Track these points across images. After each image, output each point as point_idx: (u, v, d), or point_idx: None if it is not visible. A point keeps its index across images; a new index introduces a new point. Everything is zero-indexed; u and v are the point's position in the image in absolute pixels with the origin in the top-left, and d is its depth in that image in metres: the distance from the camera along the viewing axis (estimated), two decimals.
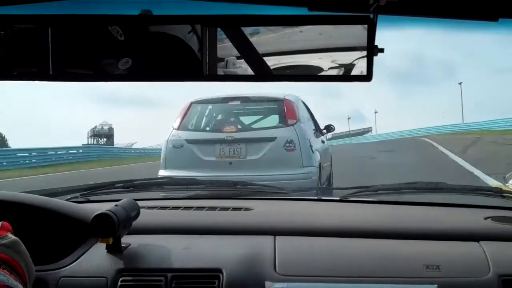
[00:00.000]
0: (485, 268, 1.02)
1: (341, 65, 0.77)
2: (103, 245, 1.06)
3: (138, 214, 1.11)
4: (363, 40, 0.76)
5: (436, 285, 0.97)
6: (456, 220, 1.29)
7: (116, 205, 1.05)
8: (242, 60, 0.76)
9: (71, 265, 1.04)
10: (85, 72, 0.78)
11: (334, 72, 0.77)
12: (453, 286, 0.99)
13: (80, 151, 23.84)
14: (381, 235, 1.15)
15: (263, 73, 0.77)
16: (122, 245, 1.07)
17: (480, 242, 1.11)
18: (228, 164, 4.69)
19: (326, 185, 5.38)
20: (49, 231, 1.14)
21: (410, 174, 7.47)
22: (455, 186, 1.67)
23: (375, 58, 0.76)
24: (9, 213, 0.89)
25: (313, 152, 4.84)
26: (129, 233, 1.09)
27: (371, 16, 0.76)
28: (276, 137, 4.73)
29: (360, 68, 0.76)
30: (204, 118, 5.29)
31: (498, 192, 1.53)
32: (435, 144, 17.03)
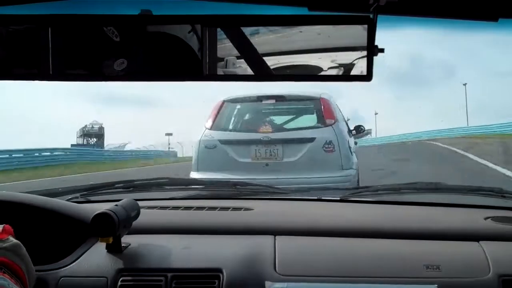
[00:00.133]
0: (485, 268, 1.02)
1: (341, 65, 0.77)
2: (103, 245, 1.06)
3: (138, 214, 1.11)
4: (363, 40, 0.76)
5: (436, 285, 0.97)
6: (456, 220, 1.29)
7: (116, 205, 1.05)
8: (242, 60, 0.76)
9: (71, 265, 1.04)
10: (86, 72, 0.78)
11: (334, 72, 0.77)
12: (453, 286, 0.99)
13: (68, 153, 22.50)
14: (381, 235, 1.15)
15: (263, 73, 0.77)
16: (122, 245, 1.07)
17: (480, 242, 1.11)
18: (264, 166, 4.46)
19: None
20: (49, 231, 1.14)
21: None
22: (455, 186, 1.67)
23: (375, 58, 0.76)
24: (9, 213, 0.89)
25: (351, 154, 4.62)
26: (129, 233, 1.10)
27: (371, 16, 0.76)
28: (315, 138, 4.48)
29: (360, 68, 0.76)
30: (238, 118, 5.05)
31: (498, 192, 1.53)
32: (458, 150, 13.92)
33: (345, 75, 0.77)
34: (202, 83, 0.79)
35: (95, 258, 1.05)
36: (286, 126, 4.94)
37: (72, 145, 39.55)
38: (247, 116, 5.11)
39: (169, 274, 1.00)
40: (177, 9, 0.80)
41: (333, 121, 4.59)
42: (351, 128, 5.52)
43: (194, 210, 1.35)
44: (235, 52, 0.76)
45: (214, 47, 0.76)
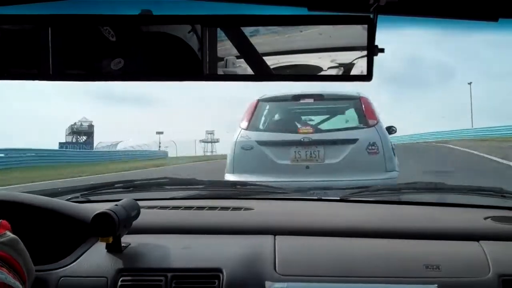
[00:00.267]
0: (485, 268, 1.02)
1: (341, 65, 0.77)
2: (103, 245, 1.06)
3: (138, 213, 1.11)
4: (363, 40, 0.76)
5: (436, 285, 0.97)
6: (456, 220, 1.29)
7: (116, 205, 1.05)
8: (242, 60, 0.76)
9: (71, 265, 1.04)
10: (86, 72, 0.78)
11: (334, 72, 0.77)
12: (453, 286, 0.99)
13: (42, 154, 21.12)
14: (381, 235, 1.15)
15: (263, 73, 0.77)
16: (122, 245, 1.07)
17: (480, 242, 1.11)
18: (305, 169, 4.25)
19: None
20: (49, 231, 1.14)
21: None
22: (455, 186, 1.67)
23: (375, 58, 0.77)
24: (10, 213, 0.89)
25: (394, 155, 4.40)
26: (129, 233, 1.10)
27: (371, 16, 0.76)
28: (357, 139, 4.27)
29: (360, 68, 0.76)
30: (274, 117, 4.85)
31: (498, 192, 1.53)
32: (496, 158, 11.26)
33: (345, 75, 0.77)
34: (202, 83, 0.79)
35: (95, 258, 1.05)
36: (325, 127, 4.75)
37: (60, 143, 38.11)
38: (284, 116, 4.90)
39: (169, 274, 1.00)
40: (177, 9, 0.80)
41: (375, 121, 4.41)
42: None
43: (194, 210, 1.35)
44: (235, 52, 0.76)
45: (214, 47, 0.76)
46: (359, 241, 1.13)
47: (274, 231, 1.16)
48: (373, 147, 4.24)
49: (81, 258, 1.06)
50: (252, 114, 4.60)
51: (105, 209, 1.01)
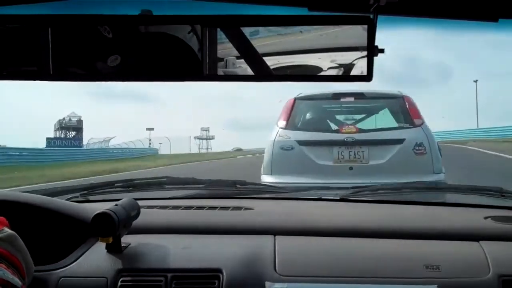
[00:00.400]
0: (485, 268, 1.02)
1: (341, 65, 0.77)
2: (103, 245, 1.06)
3: (138, 213, 1.11)
4: (363, 40, 0.76)
5: (436, 285, 0.97)
6: (456, 220, 1.29)
7: (116, 205, 1.05)
8: (242, 60, 0.76)
9: (71, 265, 1.04)
10: (86, 72, 0.78)
11: (334, 72, 0.77)
12: (453, 286, 0.99)
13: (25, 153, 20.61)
14: (381, 235, 1.15)
15: (263, 73, 0.77)
16: (122, 245, 1.07)
17: (480, 242, 1.11)
18: (348, 170, 4.03)
19: None
20: (49, 231, 1.14)
21: None
22: (455, 186, 1.67)
23: (375, 58, 0.77)
24: (10, 213, 0.89)
25: (440, 156, 4.18)
26: (129, 233, 1.09)
27: (371, 16, 0.76)
28: (404, 139, 4.06)
29: (360, 68, 0.76)
30: (313, 116, 4.59)
31: (498, 192, 1.53)
32: None
33: (345, 75, 0.77)
34: (202, 83, 0.79)
35: (95, 258, 1.05)
36: (368, 126, 4.49)
37: (48, 138, 36.70)
38: (323, 115, 4.68)
39: (169, 274, 1.00)
40: (177, 9, 0.80)
41: (421, 121, 4.20)
42: None
43: (194, 209, 1.35)
44: (235, 52, 0.76)
45: (214, 47, 0.76)
46: (359, 241, 1.13)
47: (274, 231, 1.16)
48: (420, 148, 4.05)
49: (81, 258, 1.06)
50: (290, 112, 4.34)
51: (105, 209, 1.01)
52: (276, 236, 1.14)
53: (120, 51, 0.76)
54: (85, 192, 1.55)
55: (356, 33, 0.76)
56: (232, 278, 0.99)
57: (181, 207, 1.37)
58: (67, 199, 1.43)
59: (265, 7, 0.82)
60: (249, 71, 0.77)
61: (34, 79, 0.78)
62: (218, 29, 0.76)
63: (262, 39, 0.76)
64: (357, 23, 0.76)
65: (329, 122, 4.59)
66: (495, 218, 1.25)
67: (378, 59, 0.76)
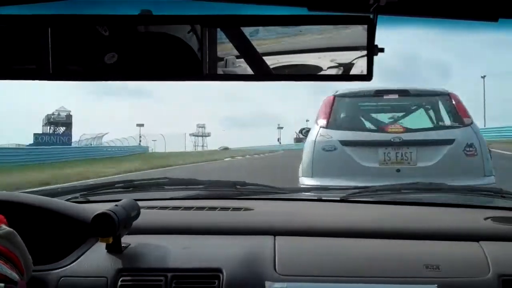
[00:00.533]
0: (485, 268, 1.02)
1: (341, 65, 0.77)
2: (103, 245, 1.06)
3: (138, 214, 1.11)
4: (363, 40, 0.76)
5: (436, 285, 0.97)
6: (456, 220, 1.29)
7: (116, 205, 1.05)
8: (242, 60, 0.76)
9: (71, 265, 1.04)
10: (86, 72, 0.78)
11: (334, 71, 0.77)
12: (453, 286, 0.99)
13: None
14: (381, 235, 1.15)
15: (262, 73, 0.77)
16: (122, 245, 1.07)
17: (480, 242, 1.11)
18: (395, 172, 3.78)
19: None
20: (49, 231, 1.14)
21: None
22: (455, 186, 1.67)
23: (375, 57, 0.77)
24: (10, 213, 0.89)
25: (490, 157, 3.96)
26: (129, 233, 1.09)
27: (371, 16, 0.76)
28: (454, 139, 3.83)
29: (360, 67, 0.76)
30: (356, 115, 4.32)
31: (498, 192, 1.53)
32: None
33: (345, 74, 0.77)
34: (202, 83, 0.79)
35: (95, 258, 1.05)
36: (414, 125, 4.19)
37: (35, 134, 34.72)
38: (366, 113, 4.41)
39: (169, 274, 1.00)
40: (177, 9, 0.80)
41: (470, 120, 3.98)
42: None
43: (194, 210, 1.35)
44: (235, 52, 0.76)
45: (214, 47, 0.76)
46: (359, 241, 1.13)
47: (274, 231, 1.16)
48: (471, 149, 3.81)
49: (81, 258, 1.06)
50: (330, 110, 4.06)
51: (105, 209, 1.01)
52: (276, 237, 1.14)
53: (120, 51, 0.76)
54: (85, 192, 1.55)
55: (356, 32, 0.76)
56: (232, 277, 0.99)
57: (181, 207, 1.37)
58: (67, 200, 1.42)
59: (265, 7, 0.82)
60: (249, 71, 0.77)
61: (34, 79, 0.79)
62: (218, 29, 0.76)
63: (262, 39, 0.76)
64: (357, 23, 0.76)
65: (373, 120, 4.34)
66: (495, 219, 1.25)
67: (377, 58, 0.76)
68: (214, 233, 1.18)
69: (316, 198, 1.60)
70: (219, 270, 1.01)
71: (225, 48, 0.76)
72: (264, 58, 0.76)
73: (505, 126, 27.02)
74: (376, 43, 0.76)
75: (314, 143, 3.97)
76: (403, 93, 4.17)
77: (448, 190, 1.67)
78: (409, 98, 4.34)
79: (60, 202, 1.24)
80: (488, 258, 1.04)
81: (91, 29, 0.76)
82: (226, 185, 1.66)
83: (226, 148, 48.98)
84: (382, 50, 0.76)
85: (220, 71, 0.76)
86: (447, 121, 4.14)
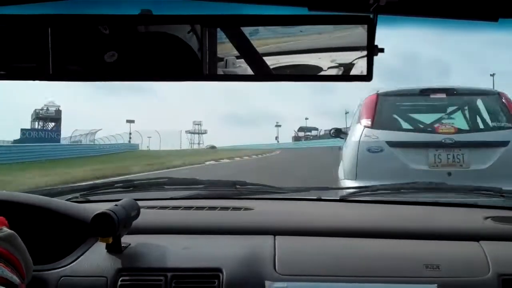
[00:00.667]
0: (485, 267, 1.02)
1: (341, 65, 0.77)
2: (103, 245, 1.06)
3: (138, 213, 1.11)
4: (363, 40, 0.76)
5: (436, 284, 0.97)
6: (456, 220, 1.29)
7: (116, 205, 1.05)
8: (242, 60, 0.76)
9: (71, 264, 1.04)
10: (86, 72, 0.78)
11: (334, 72, 0.77)
12: (453, 285, 0.99)
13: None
14: (381, 235, 1.16)
15: (263, 73, 0.77)
16: (122, 245, 1.07)
17: (480, 242, 1.11)
18: (446, 176, 3.53)
19: None
20: (49, 231, 1.14)
21: None
22: (455, 186, 1.67)
23: (375, 57, 0.77)
24: (10, 213, 0.89)
25: None
26: (129, 233, 1.10)
27: (371, 16, 0.76)
28: (508, 141, 3.60)
29: (360, 68, 0.76)
30: (402, 114, 4.10)
31: (498, 192, 1.53)
32: None
33: (345, 75, 0.77)
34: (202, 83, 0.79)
35: (95, 258, 1.05)
36: (463, 126, 4.00)
37: (22, 130, 33.01)
38: (413, 113, 4.20)
39: (169, 274, 1.00)
40: (177, 9, 0.80)
41: None
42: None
43: (194, 210, 1.35)
44: (235, 52, 0.76)
45: (214, 47, 0.76)
46: (359, 241, 1.14)
47: (274, 231, 1.16)
48: None
49: (81, 258, 1.06)
50: (374, 110, 3.82)
51: (105, 209, 1.01)
52: (276, 236, 1.14)
53: (120, 50, 0.76)
54: (85, 192, 1.55)
55: (356, 32, 0.76)
56: (232, 277, 0.99)
57: (181, 207, 1.37)
58: (67, 200, 1.43)
59: (265, 7, 0.82)
60: (249, 71, 0.77)
61: (34, 79, 0.79)
62: (218, 29, 0.76)
63: (262, 39, 0.76)
64: (357, 23, 0.76)
65: (421, 120, 4.12)
66: (495, 218, 1.25)
67: (377, 58, 0.76)
68: (214, 233, 1.18)
69: (316, 198, 1.60)
70: (219, 270, 1.01)
71: (225, 48, 0.76)
72: (264, 58, 0.76)
73: None
74: (376, 43, 0.76)
75: (358, 144, 3.72)
76: (450, 92, 3.97)
77: (448, 190, 1.67)
78: (457, 97, 4.12)
79: (60, 202, 1.24)
80: (488, 257, 1.04)
81: (91, 29, 0.76)
82: (226, 185, 1.66)
83: (213, 147, 45.72)
84: (382, 50, 0.76)
85: (220, 71, 0.76)
86: (498, 121, 3.92)
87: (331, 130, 5.19)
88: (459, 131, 3.75)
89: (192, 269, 1.02)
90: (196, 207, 1.36)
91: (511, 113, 3.79)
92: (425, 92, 3.97)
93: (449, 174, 3.57)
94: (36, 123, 38.13)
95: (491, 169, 3.55)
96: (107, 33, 0.76)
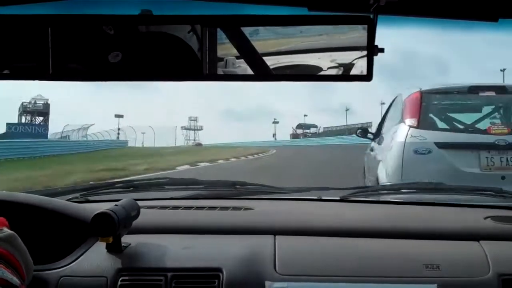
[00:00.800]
0: (485, 267, 1.02)
1: (341, 65, 0.77)
2: (103, 245, 1.06)
3: (138, 213, 1.11)
4: (363, 40, 0.76)
5: (436, 284, 0.97)
6: (456, 220, 1.29)
7: (116, 205, 1.05)
8: (242, 60, 0.76)
9: (71, 264, 1.04)
10: (86, 72, 0.78)
11: (334, 72, 0.77)
12: (453, 285, 0.99)
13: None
14: (381, 235, 1.16)
15: (263, 73, 0.77)
16: (122, 245, 1.07)
17: (480, 241, 1.11)
18: (500, 180, 3.32)
19: None
20: (49, 231, 1.14)
21: None
22: (455, 186, 1.67)
23: (375, 57, 0.77)
24: (10, 213, 0.89)
25: None
26: (129, 233, 1.10)
27: (371, 16, 0.76)
28: None
29: (360, 68, 0.77)
30: (450, 114, 3.89)
31: (498, 192, 1.54)
32: None
33: (345, 75, 0.77)
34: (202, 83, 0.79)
35: (95, 257, 1.05)
36: None
37: (8, 124, 31.62)
38: (460, 112, 4.00)
39: (169, 274, 1.00)
40: (177, 9, 0.80)
41: None
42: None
43: (194, 210, 1.35)
44: (235, 52, 0.76)
45: (214, 47, 0.76)
46: (359, 241, 1.14)
47: (274, 231, 1.16)
48: None
49: (81, 257, 1.06)
50: (420, 109, 3.60)
51: (105, 209, 1.01)
52: (276, 236, 1.14)
53: (120, 51, 0.76)
54: (85, 192, 1.55)
55: (356, 33, 0.76)
56: (232, 277, 0.99)
57: (181, 207, 1.37)
58: (68, 200, 1.43)
59: (265, 7, 0.83)
60: (249, 71, 0.77)
61: (34, 79, 0.79)
62: (218, 29, 0.76)
63: (262, 39, 0.76)
64: (357, 23, 0.76)
65: (470, 120, 3.93)
66: (495, 218, 1.25)
67: (377, 58, 0.76)
68: (214, 233, 1.18)
69: (316, 198, 1.60)
70: (219, 270, 1.01)
71: (225, 48, 0.76)
72: (264, 58, 0.76)
73: None
74: (376, 43, 0.76)
75: (404, 145, 3.49)
76: (500, 90, 3.74)
77: (448, 190, 1.67)
78: (507, 96, 3.87)
79: (60, 202, 1.25)
80: (488, 257, 1.04)
81: (91, 29, 0.76)
82: (226, 185, 1.66)
83: (198, 144, 43.17)
84: (382, 50, 0.76)
85: (220, 71, 0.76)
86: None
87: (357, 130, 5.02)
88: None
89: (192, 269, 1.02)
90: (196, 207, 1.36)
91: None
92: (474, 90, 3.75)
93: (503, 178, 3.38)
94: (23, 117, 36.71)
95: None
96: (108, 33, 0.76)
